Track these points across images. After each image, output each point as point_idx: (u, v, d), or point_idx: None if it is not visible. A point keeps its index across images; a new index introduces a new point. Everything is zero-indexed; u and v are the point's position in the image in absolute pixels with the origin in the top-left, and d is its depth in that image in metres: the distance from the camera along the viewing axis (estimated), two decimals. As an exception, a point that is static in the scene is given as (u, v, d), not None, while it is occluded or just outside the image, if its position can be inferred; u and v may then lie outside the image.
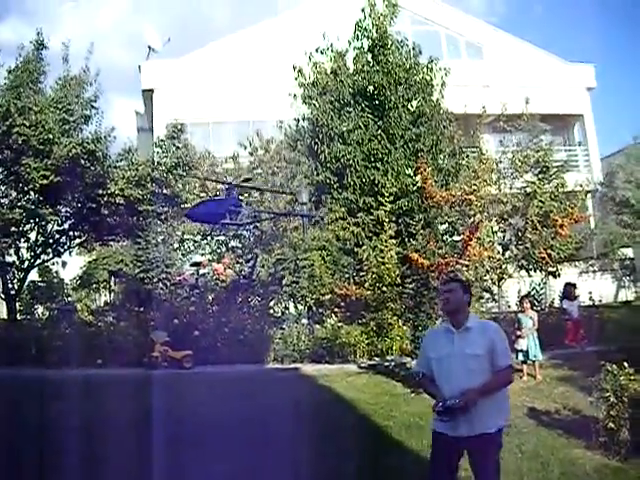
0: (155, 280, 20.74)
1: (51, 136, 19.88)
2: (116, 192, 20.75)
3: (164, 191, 21.73)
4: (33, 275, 24.55)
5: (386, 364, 16.22)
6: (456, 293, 5.72)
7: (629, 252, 32.34)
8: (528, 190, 20.18)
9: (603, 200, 31.05)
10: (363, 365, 16.62)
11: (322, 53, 22.90)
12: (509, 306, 20.53)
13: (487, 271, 18.35)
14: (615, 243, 29.48)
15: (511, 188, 20.78)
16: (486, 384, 5.42)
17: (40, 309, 25.64)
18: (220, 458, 8.67)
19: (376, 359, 17.19)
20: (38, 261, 22.87)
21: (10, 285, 21.84)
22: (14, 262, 22.21)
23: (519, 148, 22.00)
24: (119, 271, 24.82)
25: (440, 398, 5.53)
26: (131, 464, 8.39)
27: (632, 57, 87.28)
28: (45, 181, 19.71)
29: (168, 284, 20.87)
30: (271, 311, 20.16)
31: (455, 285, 5.82)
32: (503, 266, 19.31)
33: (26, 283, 23.49)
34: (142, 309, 20.10)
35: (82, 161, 20.21)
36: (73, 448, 9.01)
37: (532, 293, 20.74)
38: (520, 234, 19.72)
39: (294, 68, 22.45)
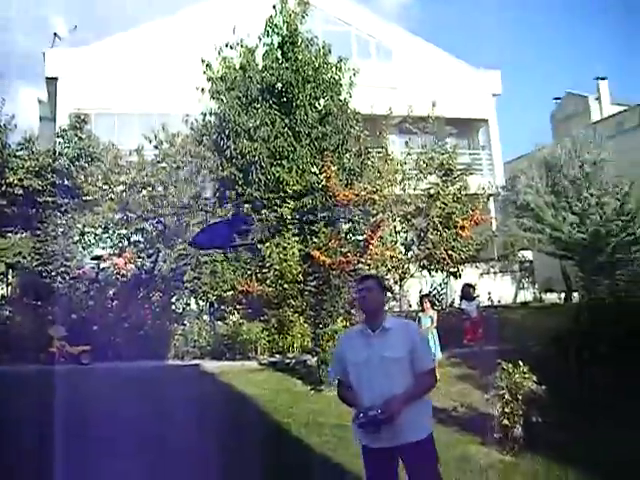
0: (54, 273, 20.25)
1: (-54, 122, 19.25)
2: (15, 182, 20.25)
3: (65, 182, 21.26)
4: None
5: (287, 361, 16.30)
6: (374, 291, 5.30)
7: (529, 255, 33.28)
8: (432, 192, 20.49)
9: (505, 203, 31.74)
10: (264, 362, 16.60)
11: (231, 48, 22.74)
12: (410, 305, 20.77)
13: (389, 270, 18.57)
14: (515, 246, 30.25)
15: (415, 189, 21.06)
16: (410, 391, 5.05)
17: None
18: (116, 454, 8.48)
19: (277, 356, 17.25)
20: None
21: None
22: None
23: (424, 150, 22.33)
24: (17, 264, 24.07)
25: (361, 408, 5.11)
26: (24, 460, 8.25)
27: (538, 67, 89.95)
28: (-63, 171, 19.07)
29: (67, 278, 20.39)
30: (172, 307, 19.92)
31: (373, 283, 5.41)
32: (405, 265, 19.57)
33: None
34: (40, 303, 19.59)
35: (-21, 149, 19.61)
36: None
37: (433, 293, 21.05)
38: (422, 234, 20.02)
39: (203, 62, 22.25)
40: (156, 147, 21.85)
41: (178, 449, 8.87)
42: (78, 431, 9.52)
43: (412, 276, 19.87)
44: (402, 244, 20.57)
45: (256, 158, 20.67)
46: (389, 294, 20.25)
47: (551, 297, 31.68)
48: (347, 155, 22.37)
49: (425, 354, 5.33)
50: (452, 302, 21.63)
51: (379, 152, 21.91)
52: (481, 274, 28.79)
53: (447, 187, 20.91)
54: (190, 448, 8.84)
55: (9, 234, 23.78)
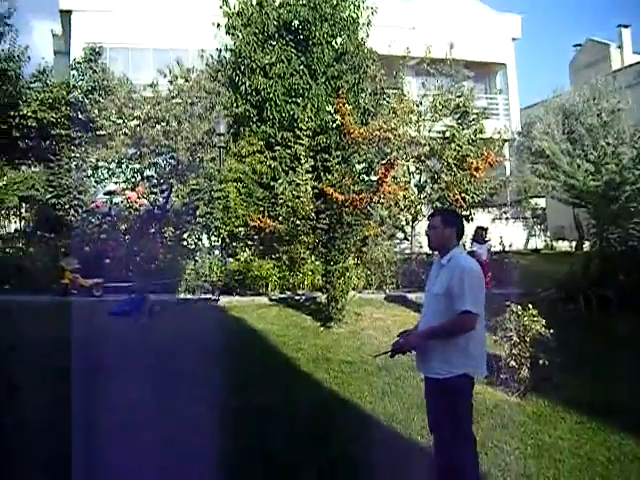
0: (67, 207, 20.32)
1: (-39, 52, 19.23)
2: (29, 114, 20.25)
3: (79, 116, 21.23)
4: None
5: (297, 298, 16.34)
6: (437, 229, 5.30)
7: (541, 202, 33.20)
8: (447, 134, 20.40)
9: (520, 149, 31.59)
10: (274, 298, 16.61)
11: (248, -17, 22.35)
12: (421, 247, 20.79)
13: (401, 210, 18.57)
14: (528, 192, 30.15)
15: (430, 131, 20.99)
16: (432, 328, 5.12)
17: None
18: (128, 385, 8.61)
19: (287, 293, 17.26)
20: (-55, 184, 22.18)
21: None
22: None
23: (441, 92, 22.14)
24: (30, 197, 24.19)
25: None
26: (40, 388, 8.35)
27: (559, 13, 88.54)
28: (-47, 100, 19.09)
29: (80, 211, 20.46)
30: (184, 242, 19.93)
31: (437, 220, 5.36)
32: (417, 206, 19.56)
33: None
34: (53, 236, 19.63)
35: (-7, 81, 19.59)
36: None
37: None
38: (436, 176, 19.97)
39: (219, -4, 21.91)
40: (170, 82, 21.72)
41: (187, 380, 8.97)
42: (92, 361, 9.66)
43: (424, 217, 19.83)
44: (415, 185, 20.53)
45: (271, 95, 20.47)
46: (401, 234, 20.31)
47: (562, 245, 31.69)
48: (363, 95, 22.12)
49: (461, 295, 4.97)
50: (463, 245, 21.52)
51: (395, 93, 21.72)
52: (493, 219, 28.82)
53: (462, 130, 20.81)
54: (198, 380, 8.94)
55: (22, 167, 23.90)
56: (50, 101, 20.57)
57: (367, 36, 22.64)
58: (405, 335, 5.38)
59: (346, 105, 18.82)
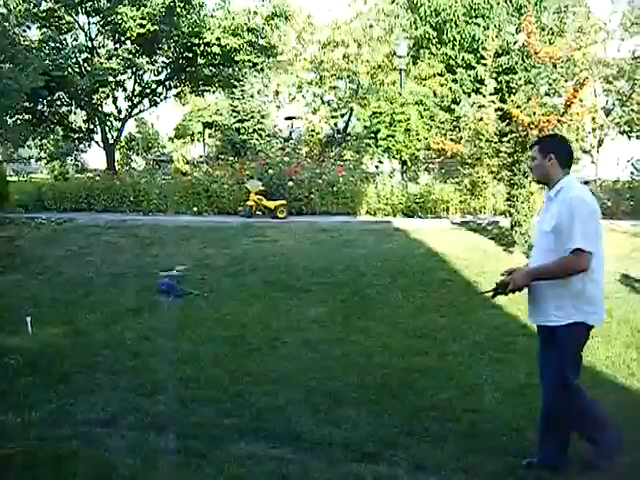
0: (250, 131, 20.85)
1: (147, -16, 19.89)
2: (212, 41, 20.70)
3: (260, 41, 21.56)
4: (130, 127, 25.02)
5: (479, 222, 16.13)
6: (536, 160, 4.53)
7: None
8: (637, 53, 19.41)
9: None
10: (455, 222, 16.49)
11: None
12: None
13: (588, 133, 17.98)
14: None
15: (619, 51, 20.06)
16: (538, 268, 4.47)
17: (137, 159, 26.29)
18: (313, 302, 8.88)
19: (468, 217, 17.10)
20: (135, 111, 23.27)
21: (109, 135, 22.37)
22: (112, 113, 22.70)
23: (631, 8, 21.03)
24: (213, 123, 25.07)
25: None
26: (228, 300, 8.82)
27: None
28: (141, 30, 19.82)
29: (263, 135, 20.94)
30: (364, 166, 20.05)
31: (534, 151, 4.59)
32: (604, 130, 18.86)
33: (123, 134, 24.03)
34: (237, 159, 20.18)
35: (178, 9, 20.17)
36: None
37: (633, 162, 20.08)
38: (624, 98, 19.13)
39: None
40: (349, 5, 21.71)
41: (372, 298, 9.18)
42: (286, 276, 10.11)
43: (612, 140, 19.11)
44: (602, 108, 19.75)
45: (451, 16, 20.09)
46: (587, 159, 19.67)
47: None
48: (545, 13, 21.30)
49: (570, 232, 4.28)
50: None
51: (580, 10, 20.81)
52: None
53: (655, 48, 19.75)
54: (383, 298, 9.12)
55: (206, 93, 24.73)
56: (232, 28, 20.93)
57: (550, -49, 21.71)
58: (510, 273, 4.58)
59: (532, 21, 18.21)
